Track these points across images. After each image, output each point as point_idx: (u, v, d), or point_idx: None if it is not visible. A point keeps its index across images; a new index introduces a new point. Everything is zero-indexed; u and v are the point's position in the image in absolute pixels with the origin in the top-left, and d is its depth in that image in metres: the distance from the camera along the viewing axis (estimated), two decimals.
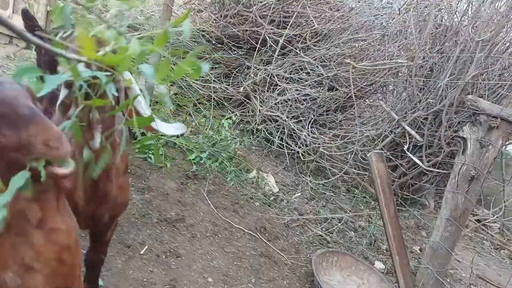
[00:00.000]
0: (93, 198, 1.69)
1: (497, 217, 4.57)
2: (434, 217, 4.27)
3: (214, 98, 4.67)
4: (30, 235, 0.98)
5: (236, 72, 4.93)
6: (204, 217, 3.38)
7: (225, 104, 4.82)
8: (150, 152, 3.93)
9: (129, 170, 3.54)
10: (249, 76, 4.59)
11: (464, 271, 3.73)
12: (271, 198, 3.96)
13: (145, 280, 2.54)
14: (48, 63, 3.03)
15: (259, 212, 3.69)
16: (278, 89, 4.37)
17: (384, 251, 3.61)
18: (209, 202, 3.59)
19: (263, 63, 4.76)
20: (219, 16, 4.92)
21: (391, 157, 3.91)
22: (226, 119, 4.45)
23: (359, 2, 4.66)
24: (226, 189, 3.88)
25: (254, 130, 4.62)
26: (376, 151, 2.28)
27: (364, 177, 4.15)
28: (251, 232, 3.39)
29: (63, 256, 1.07)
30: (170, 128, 1.73)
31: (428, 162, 3.70)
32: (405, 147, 3.75)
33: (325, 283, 3.02)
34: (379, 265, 3.40)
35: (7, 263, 0.99)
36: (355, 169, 4.05)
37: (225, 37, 4.97)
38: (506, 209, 4.55)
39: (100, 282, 2.34)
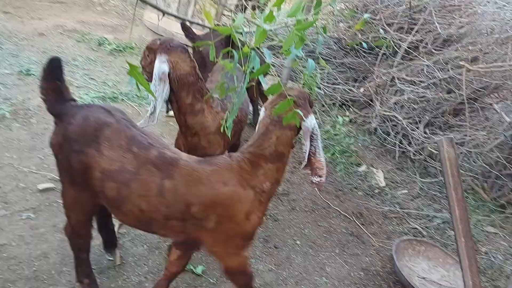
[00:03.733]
0: (189, 147, 2.47)
1: None
2: None
3: (338, 99, 5.11)
4: None
5: (364, 76, 5.29)
6: (307, 196, 3.87)
7: (349, 105, 5.22)
8: None
9: None
10: (372, 79, 4.90)
11: None
12: (376, 191, 4.21)
13: None
14: (200, 60, 3.93)
15: (359, 200, 4.00)
16: (396, 91, 4.59)
17: (483, 254, 3.55)
18: None
19: (389, 67, 5.02)
20: (351, 24, 5.35)
21: (505, 163, 3.78)
22: (342, 116, 4.85)
23: (485, 5, 4.54)
24: (333, 178, 4.29)
25: (372, 129, 4.90)
26: (447, 136, 2.45)
27: (476, 180, 4.07)
28: (346, 215, 3.74)
29: None
30: None
31: None
32: None
33: (407, 267, 3.20)
34: None
35: None
36: (465, 171, 4.00)
37: (356, 44, 5.37)
38: None
39: None
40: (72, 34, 6.19)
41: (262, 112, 2.06)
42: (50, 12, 7.58)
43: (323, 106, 5.38)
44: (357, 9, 5.21)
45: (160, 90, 2.23)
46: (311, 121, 1.94)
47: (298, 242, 3.29)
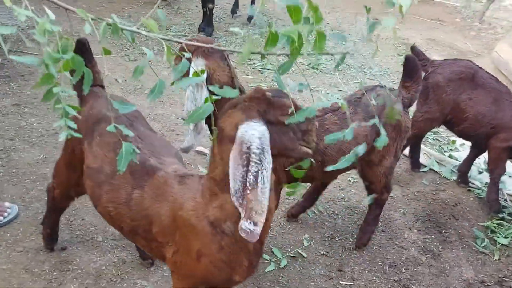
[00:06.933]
0: None
1: None
2: None
3: None
4: None
5: None
6: None
7: None
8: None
9: None
10: None
11: None
12: None
13: None
14: (423, 90, 3.10)
15: None
16: None
17: None
18: None
19: None
20: None
21: None
22: None
23: None
24: None
25: None
26: None
27: None
28: None
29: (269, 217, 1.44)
30: None
31: None
32: None
33: None
34: None
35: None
36: None
37: None
38: None
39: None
40: (392, 45, 6.22)
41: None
42: (416, 26, 7.19)
43: None
44: None
45: (199, 98, 2.05)
46: (246, 131, 1.30)
47: None
